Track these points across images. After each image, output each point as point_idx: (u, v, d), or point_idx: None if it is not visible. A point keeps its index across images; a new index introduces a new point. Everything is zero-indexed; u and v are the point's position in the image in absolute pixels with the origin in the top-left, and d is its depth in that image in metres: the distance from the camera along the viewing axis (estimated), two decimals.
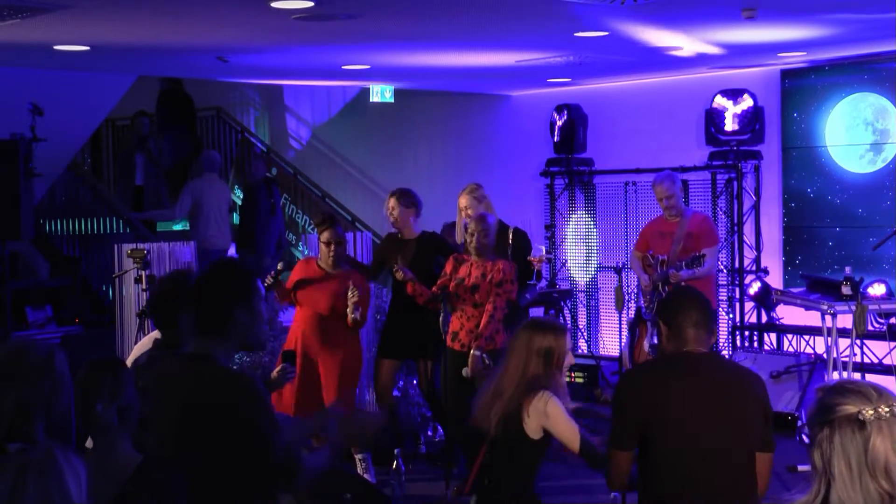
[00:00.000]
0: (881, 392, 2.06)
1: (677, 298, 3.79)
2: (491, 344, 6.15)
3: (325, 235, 6.30)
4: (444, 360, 6.28)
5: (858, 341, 6.60)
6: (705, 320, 3.61)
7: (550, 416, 3.95)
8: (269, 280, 6.29)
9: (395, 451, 6.46)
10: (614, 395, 3.80)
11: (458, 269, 6.31)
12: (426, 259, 6.69)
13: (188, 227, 9.88)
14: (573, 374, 8.44)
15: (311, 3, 5.62)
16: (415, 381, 7.22)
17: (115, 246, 7.50)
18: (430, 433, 7.23)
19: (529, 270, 6.79)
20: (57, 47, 7.08)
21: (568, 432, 3.96)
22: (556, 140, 9.76)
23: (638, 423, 3.52)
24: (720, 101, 8.62)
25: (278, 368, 4.46)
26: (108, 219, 10.85)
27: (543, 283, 9.40)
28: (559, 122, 9.71)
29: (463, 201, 6.76)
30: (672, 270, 6.95)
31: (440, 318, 6.24)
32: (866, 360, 7.42)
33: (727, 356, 8.61)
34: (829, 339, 6.76)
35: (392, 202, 6.70)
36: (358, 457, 6.45)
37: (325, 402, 6.24)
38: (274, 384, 4.43)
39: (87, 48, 7.13)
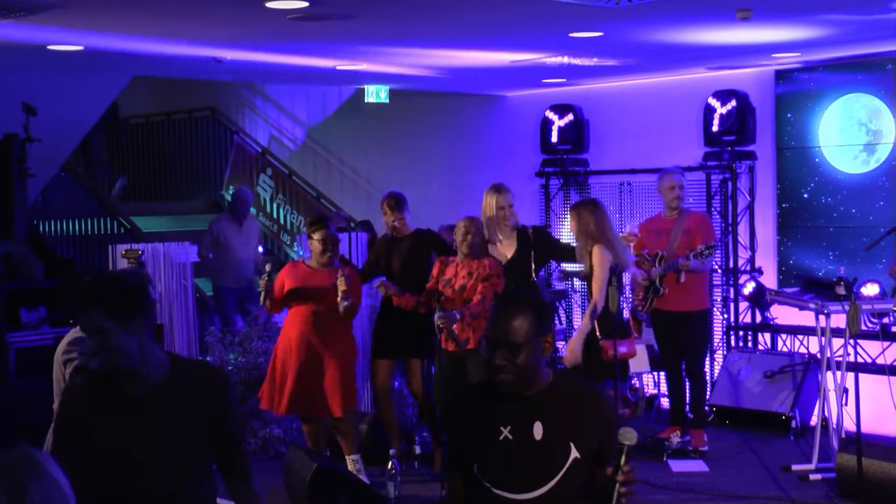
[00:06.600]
0: None
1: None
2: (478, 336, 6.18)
3: (318, 235, 6.35)
4: (437, 361, 6.29)
5: (852, 341, 6.60)
6: None
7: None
8: (262, 284, 6.29)
9: (391, 451, 6.46)
10: None
11: (445, 271, 6.37)
12: (422, 255, 6.73)
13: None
14: None
15: (306, 4, 5.62)
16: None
17: (110, 246, 7.48)
18: (425, 433, 7.22)
19: (564, 255, 7.01)
20: (51, 47, 7.06)
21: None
22: (554, 140, 9.67)
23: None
24: (712, 102, 8.62)
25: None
26: (102, 219, 10.82)
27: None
28: (561, 123, 9.62)
29: (502, 200, 6.70)
30: (682, 259, 7.00)
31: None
32: (860, 359, 7.43)
33: (723, 356, 8.63)
34: (823, 338, 6.78)
35: (393, 215, 6.74)
36: (350, 457, 6.45)
37: (329, 396, 6.27)
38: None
39: (81, 48, 7.11)
